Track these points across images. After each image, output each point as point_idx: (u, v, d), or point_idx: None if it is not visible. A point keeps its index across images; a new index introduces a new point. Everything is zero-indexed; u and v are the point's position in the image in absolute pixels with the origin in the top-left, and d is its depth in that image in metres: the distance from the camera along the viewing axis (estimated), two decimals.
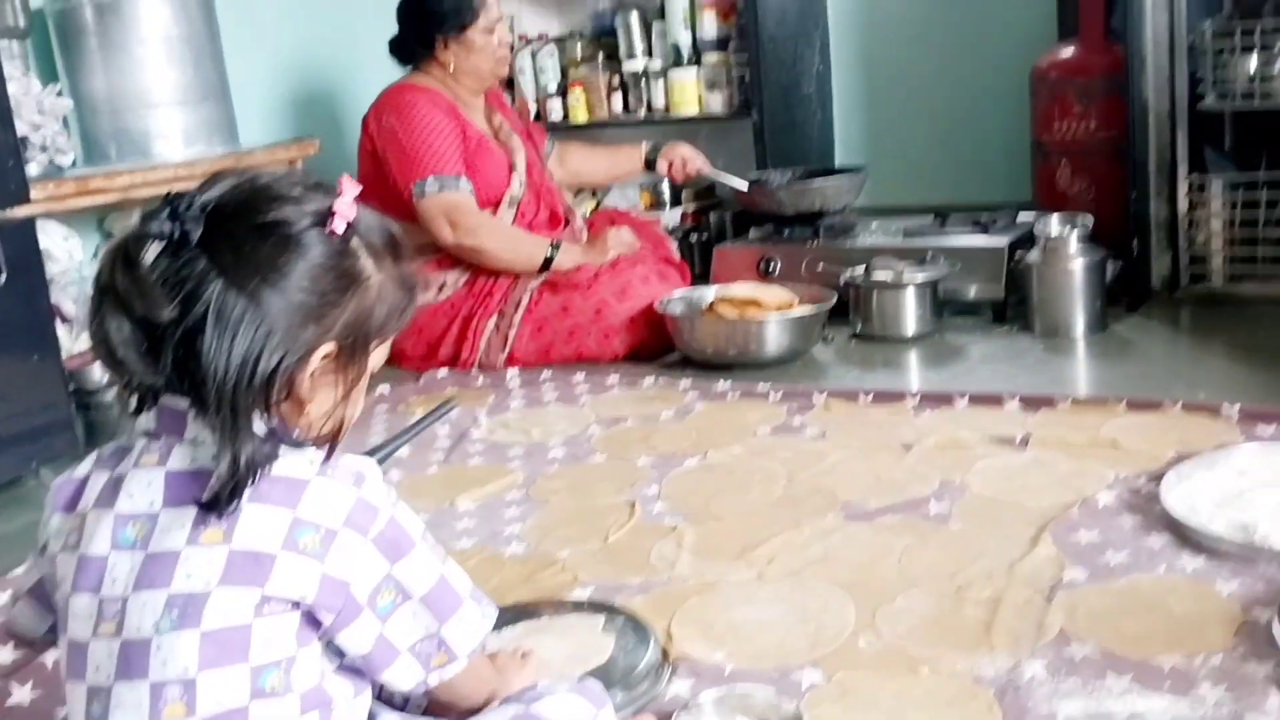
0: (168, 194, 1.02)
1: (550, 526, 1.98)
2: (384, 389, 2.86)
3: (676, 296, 3.01)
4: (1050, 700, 1.35)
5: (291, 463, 1.04)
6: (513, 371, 2.94)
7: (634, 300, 2.99)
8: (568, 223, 3.25)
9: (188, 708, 0.98)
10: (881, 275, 2.91)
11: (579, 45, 4.20)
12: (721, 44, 3.83)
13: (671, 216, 3.93)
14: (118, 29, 2.98)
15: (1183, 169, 2.99)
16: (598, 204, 3.99)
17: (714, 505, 2.00)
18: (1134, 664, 1.40)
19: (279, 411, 1.04)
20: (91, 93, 3.01)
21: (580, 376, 2.83)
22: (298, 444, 1.05)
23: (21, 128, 2.67)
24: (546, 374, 2.89)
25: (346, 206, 1.06)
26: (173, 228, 1.00)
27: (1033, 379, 2.55)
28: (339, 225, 1.05)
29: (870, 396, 2.45)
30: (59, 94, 2.88)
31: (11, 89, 2.54)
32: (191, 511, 1.01)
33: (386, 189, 3.05)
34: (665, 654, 1.51)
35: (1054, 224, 2.86)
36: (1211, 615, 1.50)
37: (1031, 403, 2.32)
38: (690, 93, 3.87)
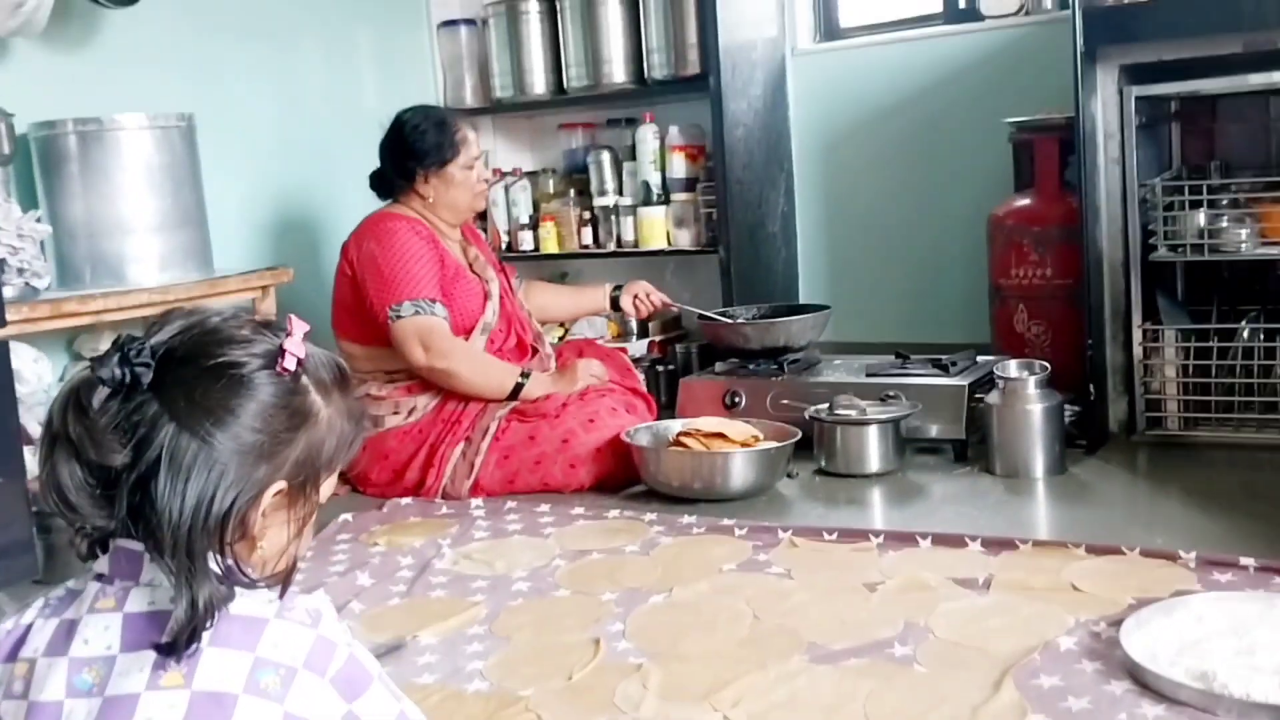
0: (116, 339, 1.04)
1: (513, 663, 1.96)
2: (346, 517, 2.85)
3: (642, 428, 3.04)
4: None
5: (249, 602, 1.04)
6: (477, 501, 2.95)
7: (601, 431, 3.02)
8: (535, 352, 3.30)
9: None
10: (845, 412, 2.96)
11: (551, 181, 4.32)
12: (690, 184, 3.94)
13: (638, 347, 3.99)
14: (100, 156, 3.03)
15: (1137, 316, 3.07)
16: (565, 333, 4.05)
17: (679, 644, 1.99)
18: None
19: (233, 551, 1.04)
20: (70, 217, 3.04)
21: (545, 508, 2.84)
22: (252, 583, 1.05)
23: (0, 251, 2.70)
24: (511, 504, 2.89)
25: (296, 345, 1.08)
26: (123, 373, 1.01)
27: (994, 519, 2.58)
28: (290, 364, 1.07)
29: (835, 535, 2.47)
30: (38, 220, 2.91)
31: None
32: (150, 655, 1.00)
33: (362, 314, 3.09)
34: None
35: (1013, 367, 2.93)
36: None
37: (993, 545, 2.34)
38: (659, 229, 3.97)
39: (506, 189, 4.28)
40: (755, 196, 3.86)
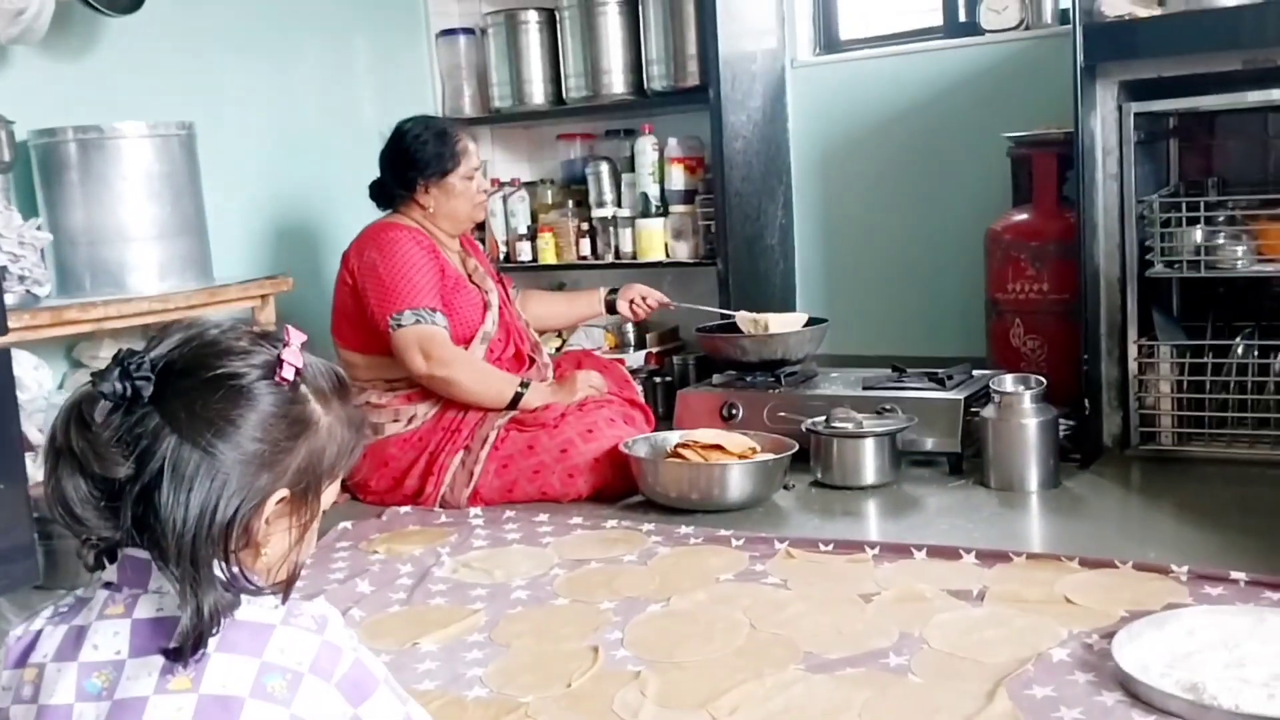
0: (117, 353, 1.05)
1: (513, 671, 1.98)
2: (346, 525, 2.87)
3: (641, 439, 3.06)
4: None
5: (255, 609, 1.06)
6: (476, 510, 2.96)
7: (600, 441, 3.04)
8: (533, 362, 3.31)
9: None
10: (841, 425, 2.98)
11: (550, 191, 4.34)
12: (689, 196, 3.96)
13: (636, 358, 4.01)
14: (100, 164, 3.04)
15: (1132, 332, 3.10)
16: (563, 344, 4.07)
17: (677, 653, 2.01)
18: None
19: (237, 559, 1.06)
20: (70, 224, 3.04)
21: (544, 517, 2.86)
22: (257, 590, 1.07)
23: (0, 258, 2.71)
24: (510, 513, 2.91)
25: (294, 355, 1.10)
26: (124, 386, 1.03)
27: (988, 532, 2.60)
28: (288, 373, 1.09)
29: (831, 546, 2.49)
30: (38, 227, 2.92)
31: None
32: (158, 660, 1.02)
33: (362, 322, 3.11)
34: None
35: (1009, 382, 2.95)
36: None
37: (988, 557, 2.36)
38: (657, 240, 3.99)
39: (505, 199, 4.30)
40: (754, 209, 3.88)
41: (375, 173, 3.26)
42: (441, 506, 3.02)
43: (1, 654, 1.10)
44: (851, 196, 4.03)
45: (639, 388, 3.50)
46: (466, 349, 3.13)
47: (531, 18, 4.16)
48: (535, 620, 2.21)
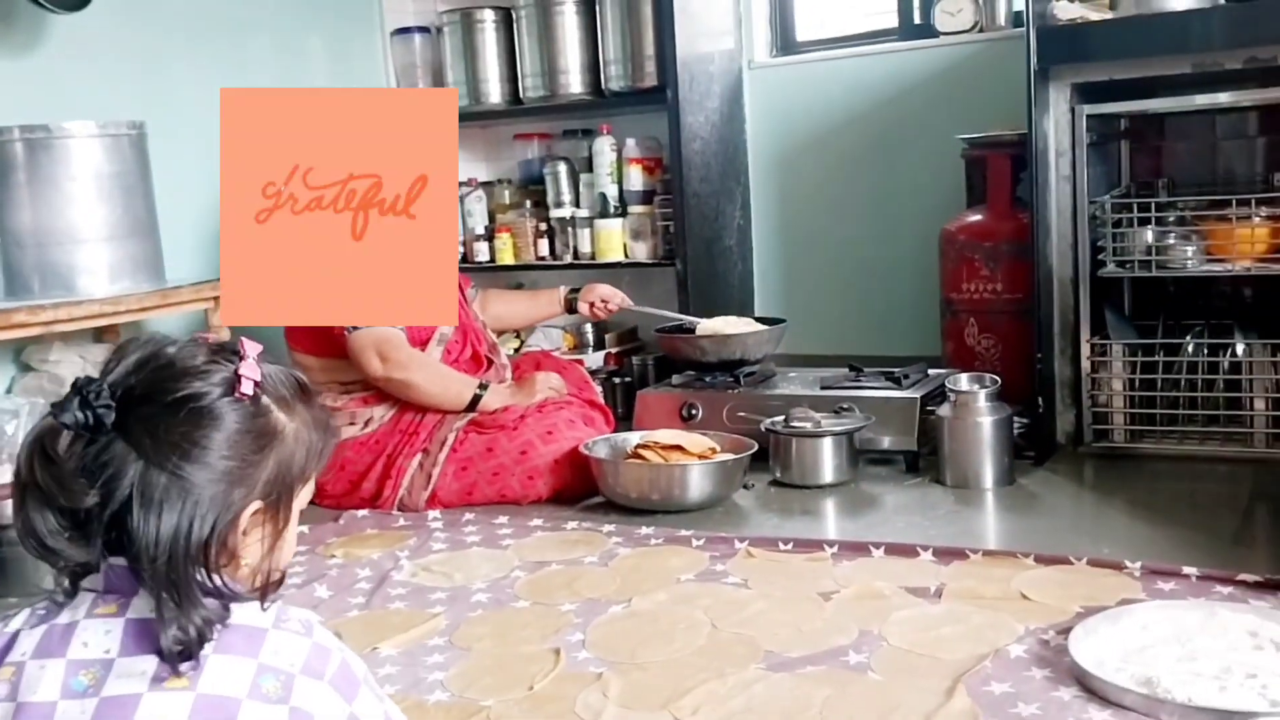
0: (75, 381, 1.05)
1: (474, 674, 1.97)
2: (303, 529, 2.84)
3: (601, 440, 3.06)
4: None
5: (246, 613, 1.06)
6: (434, 513, 2.95)
7: (559, 442, 3.03)
8: (491, 363, 3.30)
9: None
10: (800, 424, 2.99)
11: (507, 191, 4.33)
12: (647, 197, 3.96)
13: (595, 359, 4.01)
14: (48, 164, 2.98)
15: (1085, 331, 3.14)
16: (521, 344, 4.06)
17: (639, 653, 2.01)
18: None
19: (220, 571, 1.06)
20: (17, 226, 2.99)
21: (503, 519, 2.85)
22: (243, 598, 1.08)
23: None
24: (469, 515, 2.90)
25: (251, 369, 1.09)
26: (85, 416, 1.02)
27: (945, 530, 2.62)
28: (247, 388, 1.08)
29: (790, 545, 2.50)
30: None
31: None
32: (151, 659, 1.02)
33: (318, 327, 3.08)
34: None
35: (964, 381, 2.98)
36: None
37: (944, 554, 2.38)
38: (616, 241, 3.99)
39: (462, 200, 4.28)
40: (712, 210, 3.89)
41: None
42: (400, 510, 3.00)
43: None
44: (808, 197, 4.05)
45: (598, 388, 3.49)
46: (423, 351, 3.11)
47: (488, 17, 4.14)
48: (496, 623, 2.21)
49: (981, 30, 3.69)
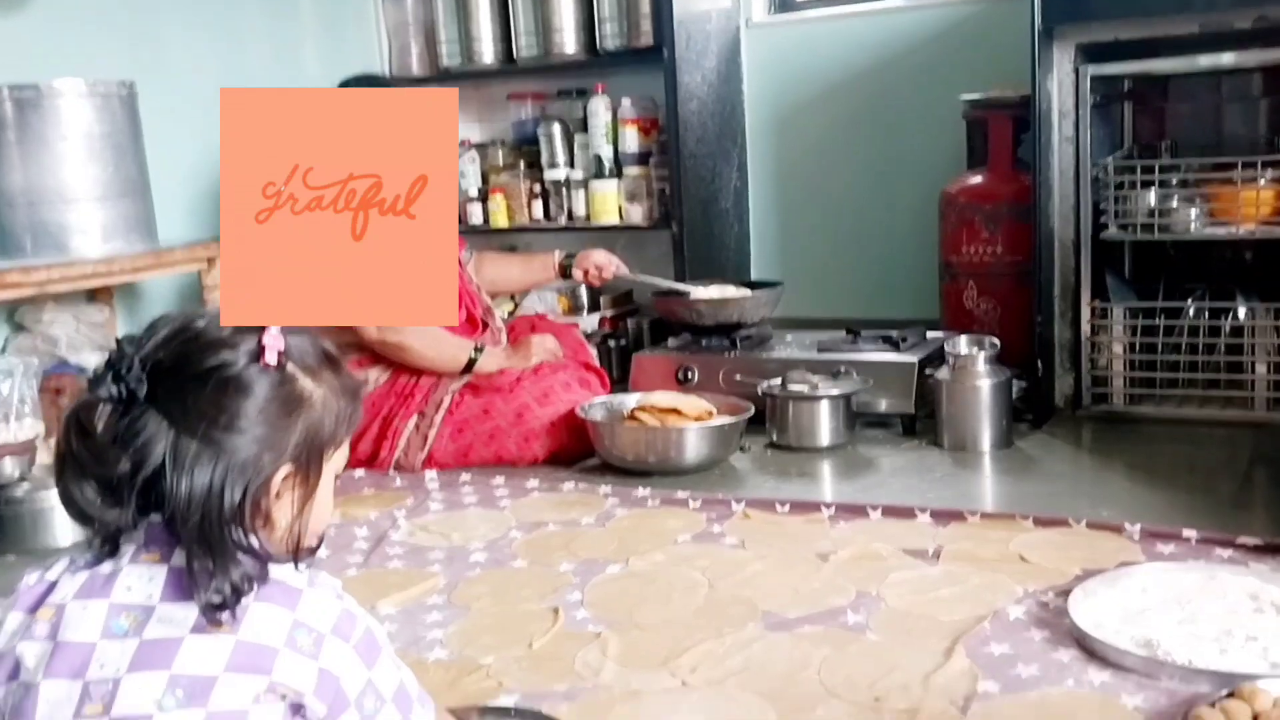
0: (109, 356, 1.09)
1: (473, 632, 1.97)
2: None
3: (597, 402, 3.05)
4: None
5: (284, 571, 1.11)
6: (431, 473, 2.94)
7: (556, 405, 3.02)
8: (486, 326, 3.28)
9: None
10: (797, 387, 2.98)
11: (501, 152, 4.29)
12: (643, 158, 3.93)
13: (590, 321, 3.98)
14: (39, 123, 2.96)
15: (1085, 294, 3.12)
16: (515, 308, 4.03)
17: (637, 613, 2.01)
18: None
19: (255, 533, 1.11)
20: (8, 186, 2.98)
21: (500, 480, 2.84)
22: (277, 559, 1.11)
23: None
24: (465, 476, 2.89)
25: (274, 338, 1.14)
26: (119, 390, 1.07)
27: (942, 492, 2.61)
28: (271, 357, 1.12)
29: (787, 507, 2.50)
30: None
31: None
32: (194, 606, 1.05)
33: None
34: None
35: (962, 344, 2.96)
36: None
37: (942, 516, 2.38)
38: (611, 203, 3.95)
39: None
40: (708, 171, 3.86)
41: None
42: (396, 470, 2.99)
43: (12, 598, 1.13)
44: (806, 159, 4.02)
45: (593, 351, 3.47)
46: None
47: None
48: (494, 582, 2.20)
49: None
